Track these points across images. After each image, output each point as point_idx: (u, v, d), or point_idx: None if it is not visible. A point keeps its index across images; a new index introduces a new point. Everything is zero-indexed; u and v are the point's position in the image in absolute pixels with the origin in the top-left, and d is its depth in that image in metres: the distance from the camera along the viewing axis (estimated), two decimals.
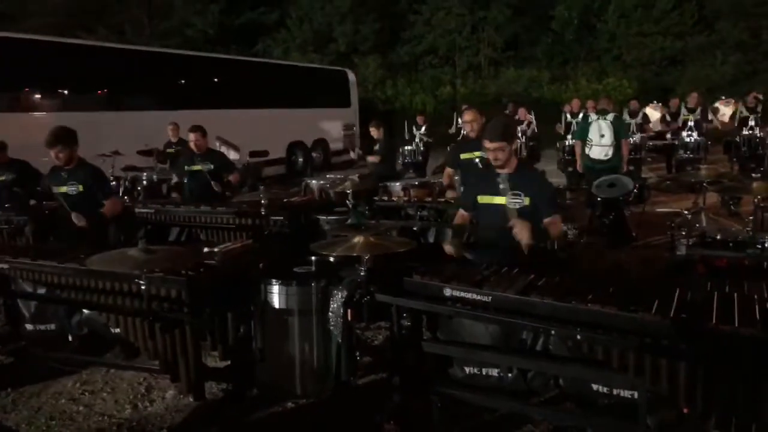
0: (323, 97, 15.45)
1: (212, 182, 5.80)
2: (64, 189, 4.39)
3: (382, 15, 25.59)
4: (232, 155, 8.30)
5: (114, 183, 7.57)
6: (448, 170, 5.45)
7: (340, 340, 2.88)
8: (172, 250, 3.45)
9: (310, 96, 14.87)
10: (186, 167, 6.05)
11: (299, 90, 14.61)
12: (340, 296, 2.82)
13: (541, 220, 3.23)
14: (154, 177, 7.75)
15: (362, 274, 2.73)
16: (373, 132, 8.10)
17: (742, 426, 1.99)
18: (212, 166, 5.91)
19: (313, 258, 3.10)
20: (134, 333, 3.05)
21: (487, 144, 3.27)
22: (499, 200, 3.24)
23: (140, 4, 23.25)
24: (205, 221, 5.09)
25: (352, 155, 12.14)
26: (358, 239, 2.87)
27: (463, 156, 4.94)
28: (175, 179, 6.63)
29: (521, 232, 3.06)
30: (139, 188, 7.72)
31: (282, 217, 4.70)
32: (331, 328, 2.88)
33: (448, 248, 3.31)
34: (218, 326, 3.06)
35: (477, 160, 4.51)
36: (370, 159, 8.06)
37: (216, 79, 13.18)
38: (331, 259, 3.07)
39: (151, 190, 7.58)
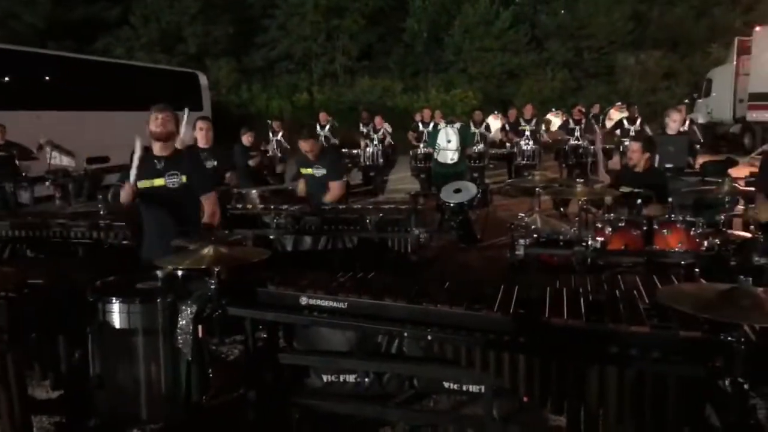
0: (172, 99, 14.46)
1: None
2: None
3: (235, 18, 24.91)
4: (66, 161, 7.54)
5: None
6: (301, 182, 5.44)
7: (190, 359, 2.71)
8: None
9: (158, 98, 13.77)
10: None
11: (145, 91, 13.65)
12: (188, 312, 2.66)
13: (199, 197, 3.66)
14: None
15: (213, 287, 2.60)
16: (246, 139, 8.08)
17: (573, 409, 2.19)
18: None
19: (158, 272, 2.90)
20: None
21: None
22: (159, 182, 3.56)
23: None
24: (32, 235, 4.55)
25: None
26: (208, 250, 2.73)
27: (303, 171, 5.30)
28: None
29: None
30: None
31: (123, 229, 4.35)
32: (180, 346, 2.70)
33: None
34: (47, 352, 2.77)
35: None
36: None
37: (47, 78, 11.92)
38: (179, 272, 2.89)
39: None
